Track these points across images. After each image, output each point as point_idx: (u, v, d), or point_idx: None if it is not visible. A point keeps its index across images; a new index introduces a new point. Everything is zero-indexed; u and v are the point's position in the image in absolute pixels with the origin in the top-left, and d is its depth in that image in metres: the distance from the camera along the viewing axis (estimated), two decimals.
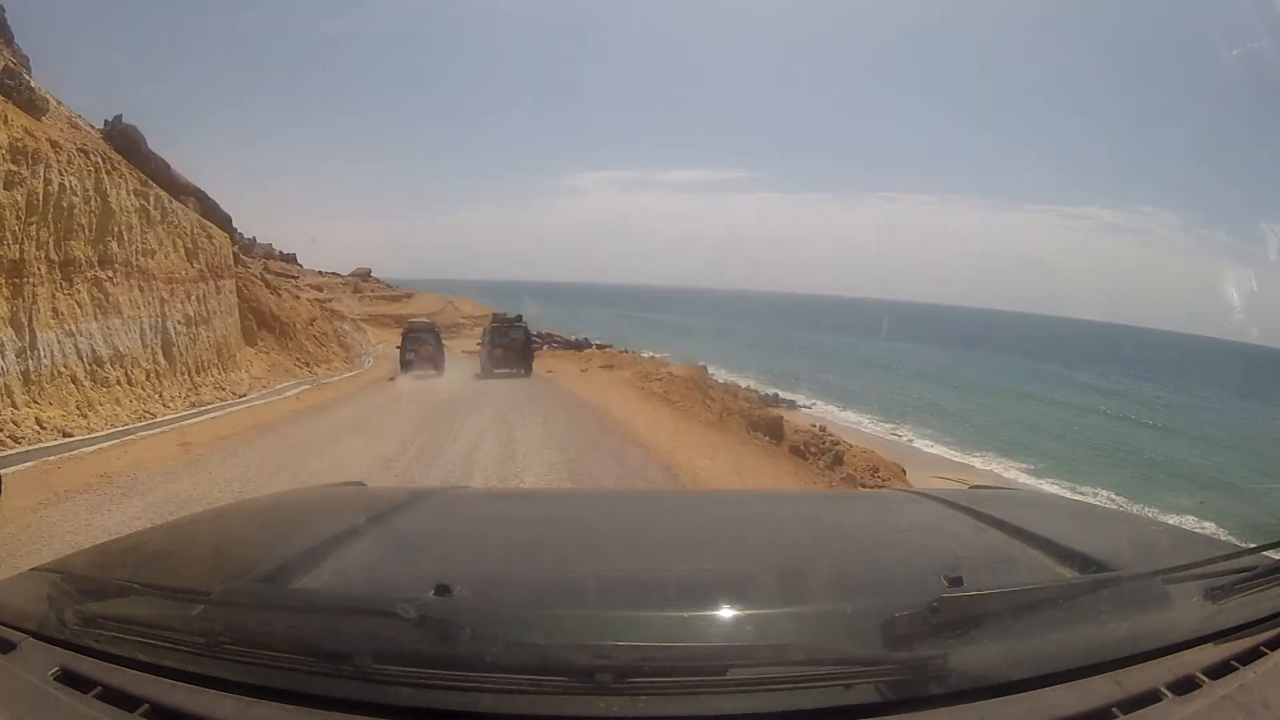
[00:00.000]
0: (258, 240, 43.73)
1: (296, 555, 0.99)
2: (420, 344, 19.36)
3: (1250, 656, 0.80)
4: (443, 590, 0.79)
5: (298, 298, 26.37)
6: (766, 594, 0.93)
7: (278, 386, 15.43)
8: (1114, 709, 0.70)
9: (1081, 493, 17.71)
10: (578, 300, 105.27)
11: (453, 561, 1.13)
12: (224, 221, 19.37)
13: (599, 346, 32.88)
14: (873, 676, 0.70)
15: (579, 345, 33.74)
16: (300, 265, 47.34)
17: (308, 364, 19.44)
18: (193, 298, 13.44)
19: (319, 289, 42.86)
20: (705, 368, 19.64)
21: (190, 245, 13.76)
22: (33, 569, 0.99)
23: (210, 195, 19.43)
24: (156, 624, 0.79)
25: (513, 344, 19.07)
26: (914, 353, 55.48)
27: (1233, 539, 7.15)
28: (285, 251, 46.74)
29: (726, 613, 0.81)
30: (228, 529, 1.35)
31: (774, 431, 13.25)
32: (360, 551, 1.07)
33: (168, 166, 17.26)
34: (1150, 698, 0.72)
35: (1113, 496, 18.10)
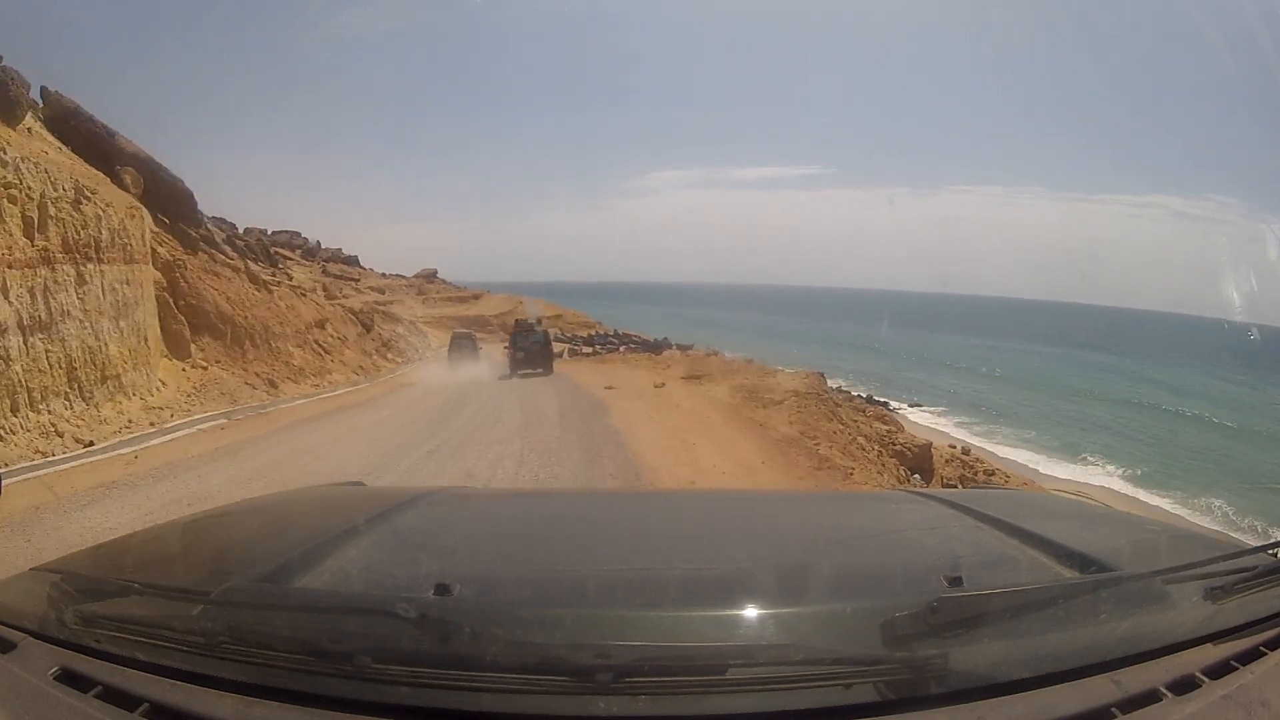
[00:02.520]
0: (322, 244, 46.02)
1: (296, 555, 0.99)
2: (460, 348, 24.81)
3: (1250, 656, 0.80)
4: (442, 590, 0.79)
5: (304, 295, 22.58)
6: (766, 594, 0.93)
7: (176, 423, 10.31)
8: (1114, 709, 0.70)
9: (1193, 505, 16.90)
10: (642, 299, 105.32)
11: (452, 561, 1.13)
12: (181, 198, 15.84)
13: (680, 348, 28.97)
14: (873, 676, 0.70)
15: (656, 347, 30.00)
16: (363, 267, 47.86)
17: (275, 380, 14.84)
18: (18, 290, 8.68)
19: (380, 291, 42.50)
20: (823, 376, 15.47)
21: (35, 214, 9.10)
22: (33, 569, 0.99)
23: (166, 166, 15.90)
24: (156, 624, 0.79)
25: (533, 346, 21.51)
26: (985, 350, 53.30)
27: None
28: (349, 254, 47.72)
29: (726, 612, 0.81)
30: (228, 528, 1.35)
31: (923, 465, 11.11)
32: (360, 551, 1.07)
33: (109, 131, 14.31)
34: (1150, 698, 0.72)
35: (1225, 507, 17.07)
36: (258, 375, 14.65)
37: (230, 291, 15.66)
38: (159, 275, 13.27)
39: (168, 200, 15.12)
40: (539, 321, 25.63)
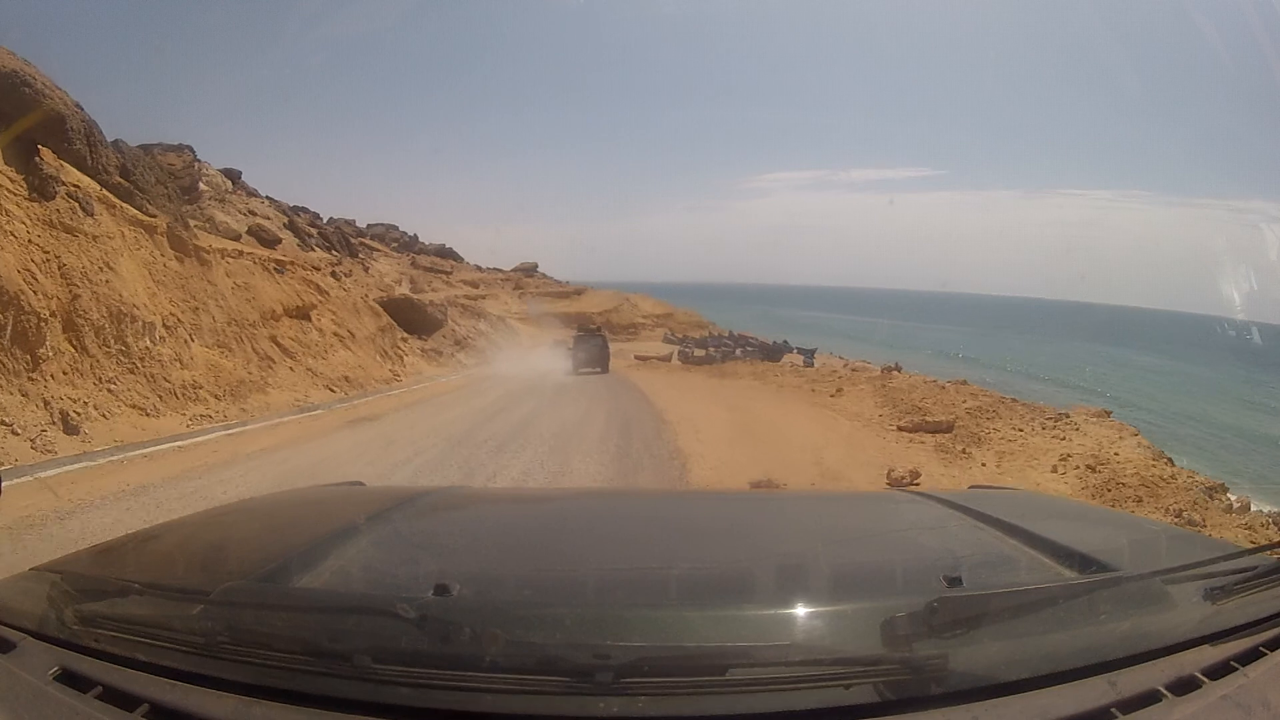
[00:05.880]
0: (420, 238, 46.19)
1: (296, 554, 0.99)
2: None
3: (1250, 656, 0.80)
4: (442, 590, 0.79)
5: (280, 273, 16.57)
6: (766, 594, 0.93)
7: None
8: (1113, 709, 0.70)
9: None
10: (746, 299, 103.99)
11: (452, 561, 1.13)
12: (50, 123, 10.58)
13: (801, 351, 25.44)
14: (872, 676, 0.70)
15: (774, 351, 26.28)
16: (459, 260, 47.32)
17: (79, 414, 8.12)
18: None
19: (474, 285, 41.83)
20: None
21: None
22: (32, 569, 0.99)
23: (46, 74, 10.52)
24: (156, 624, 0.80)
25: (592, 349, 23.54)
26: (1075, 356, 44.70)
27: None
28: (452, 250, 47.61)
29: (726, 612, 0.81)
30: (227, 528, 1.35)
31: None
32: (360, 551, 1.07)
33: None
34: (1150, 698, 0.72)
35: None
36: (47, 402, 8.02)
37: (79, 259, 9.41)
38: None
39: (38, 126, 10.67)
40: (599, 329, 28.34)
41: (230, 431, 9.60)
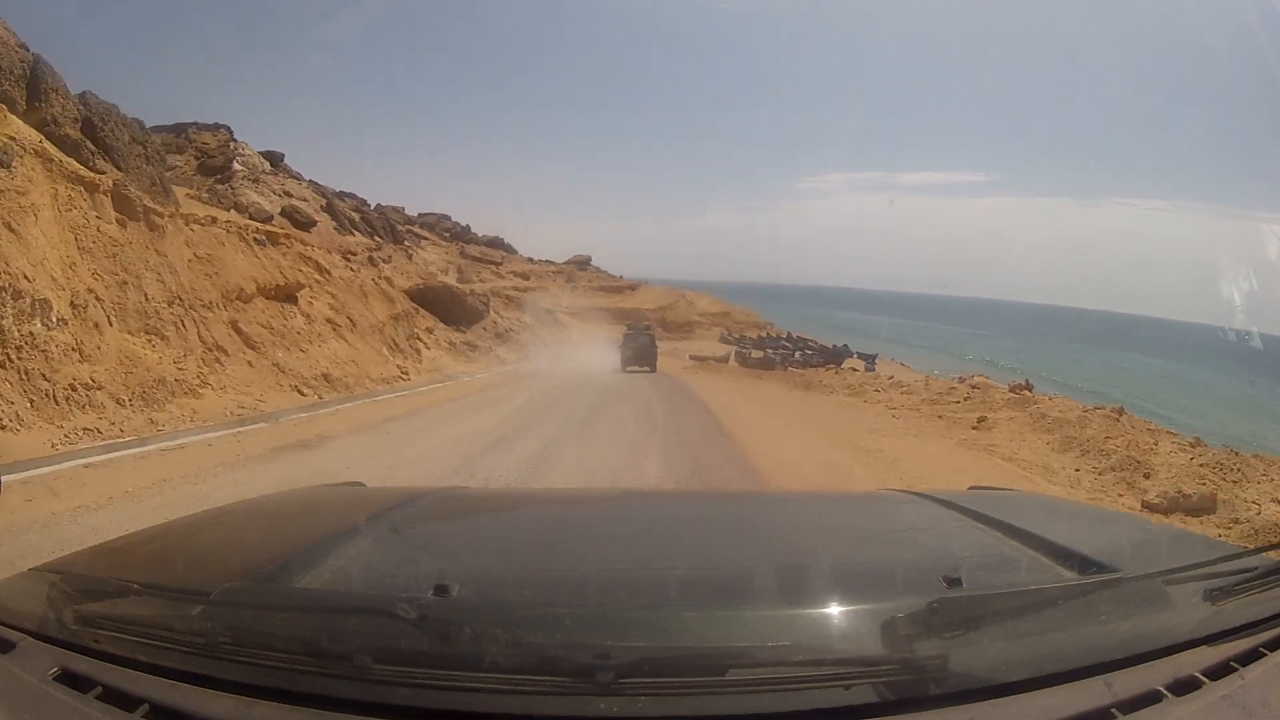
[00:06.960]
0: (473, 228, 44.87)
1: (296, 555, 0.99)
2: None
3: (1250, 657, 0.80)
4: (442, 590, 0.79)
5: (262, 246, 13.91)
6: (766, 594, 0.93)
7: None
8: (1114, 709, 0.70)
9: None
10: (785, 300, 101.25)
11: (452, 561, 1.13)
12: None
13: (861, 356, 23.82)
14: (872, 677, 0.70)
15: (835, 355, 24.67)
16: (509, 250, 46.00)
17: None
18: None
19: (524, 276, 40.80)
20: None
21: None
22: (32, 569, 0.99)
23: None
24: (156, 624, 0.80)
25: (640, 346, 23.71)
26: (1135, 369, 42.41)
27: None
28: (505, 242, 46.62)
29: (726, 613, 0.81)
30: (228, 529, 1.35)
31: None
32: (359, 551, 1.07)
33: None
34: (1150, 698, 0.72)
35: None
36: None
37: None
38: None
39: None
40: (647, 327, 28.52)
41: (102, 457, 6.53)
